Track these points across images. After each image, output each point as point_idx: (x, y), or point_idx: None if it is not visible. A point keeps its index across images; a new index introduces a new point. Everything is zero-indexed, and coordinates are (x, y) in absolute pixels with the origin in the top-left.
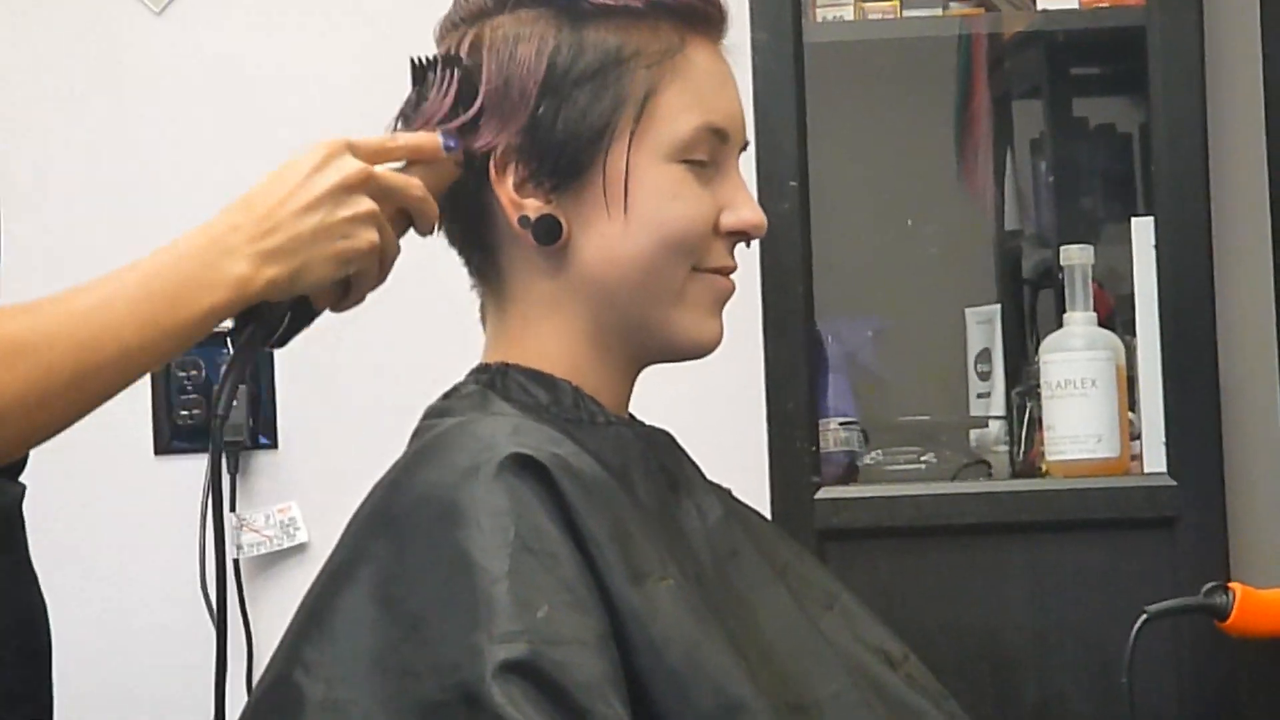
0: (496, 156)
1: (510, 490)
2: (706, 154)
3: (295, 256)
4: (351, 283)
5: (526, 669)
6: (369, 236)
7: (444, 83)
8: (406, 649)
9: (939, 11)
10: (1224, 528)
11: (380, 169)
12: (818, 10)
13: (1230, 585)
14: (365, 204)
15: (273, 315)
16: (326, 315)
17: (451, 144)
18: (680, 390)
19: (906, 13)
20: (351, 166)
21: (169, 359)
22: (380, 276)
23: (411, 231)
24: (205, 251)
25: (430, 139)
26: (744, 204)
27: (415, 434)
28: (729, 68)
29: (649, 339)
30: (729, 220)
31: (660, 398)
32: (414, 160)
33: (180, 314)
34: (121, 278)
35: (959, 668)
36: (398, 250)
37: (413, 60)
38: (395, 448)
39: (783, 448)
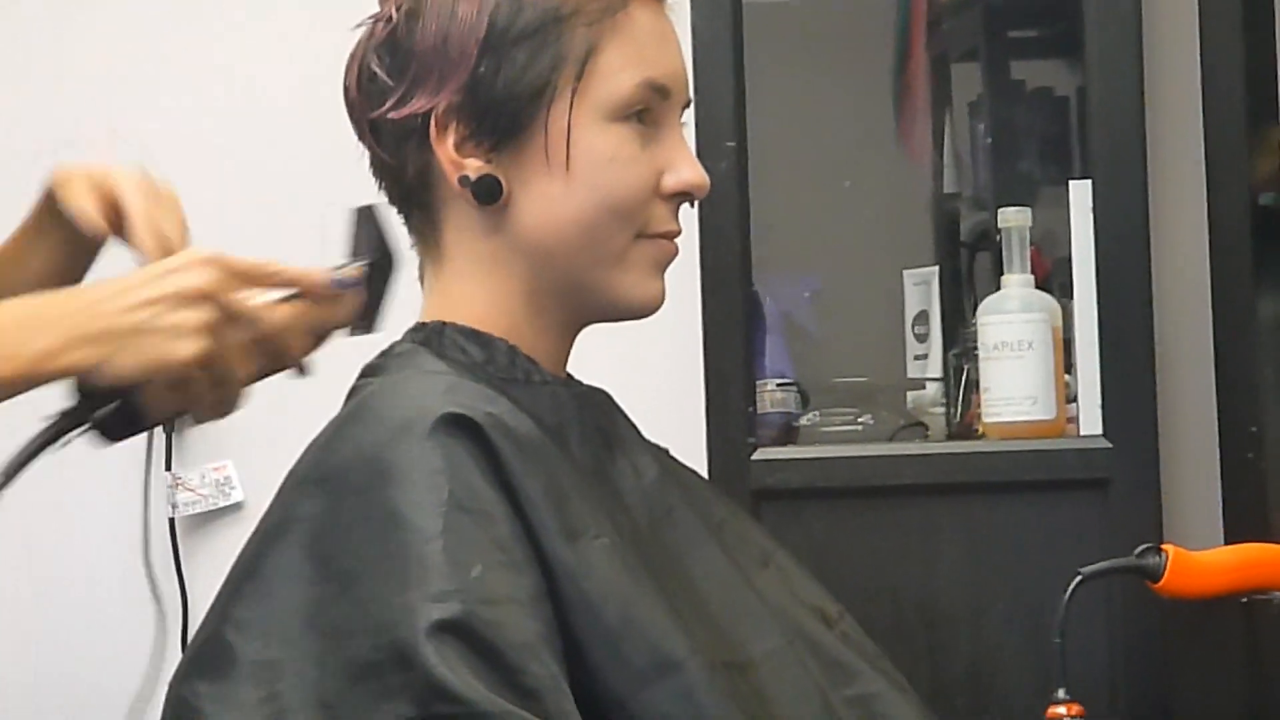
0: (437, 115)
1: (444, 449)
2: (646, 115)
3: (104, 346)
4: (187, 399)
5: (460, 628)
6: (186, 349)
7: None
8: (339, 608)
9: None
10: (1157, 490)
11: (258, 296)
12: None
13: (1163, 547)
14: (195, 318)
15: (99, 401)
16: None
17: (344, 283)
18: (618, 350)
19: None
20: (199, 279)
21: None
22: (217, 399)
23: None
24: (24, 322)
25: (320, 276)
26: (685, 164)
27: (350, 393)
28: (671, 26)
29: (588, 299)
30: (670, 182)
31: (598, 357)
32: (301, 294)
33: None
34: None
35: (894, 627)
36: (246, 380)
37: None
38: (331, 407)
39: (719, 408)
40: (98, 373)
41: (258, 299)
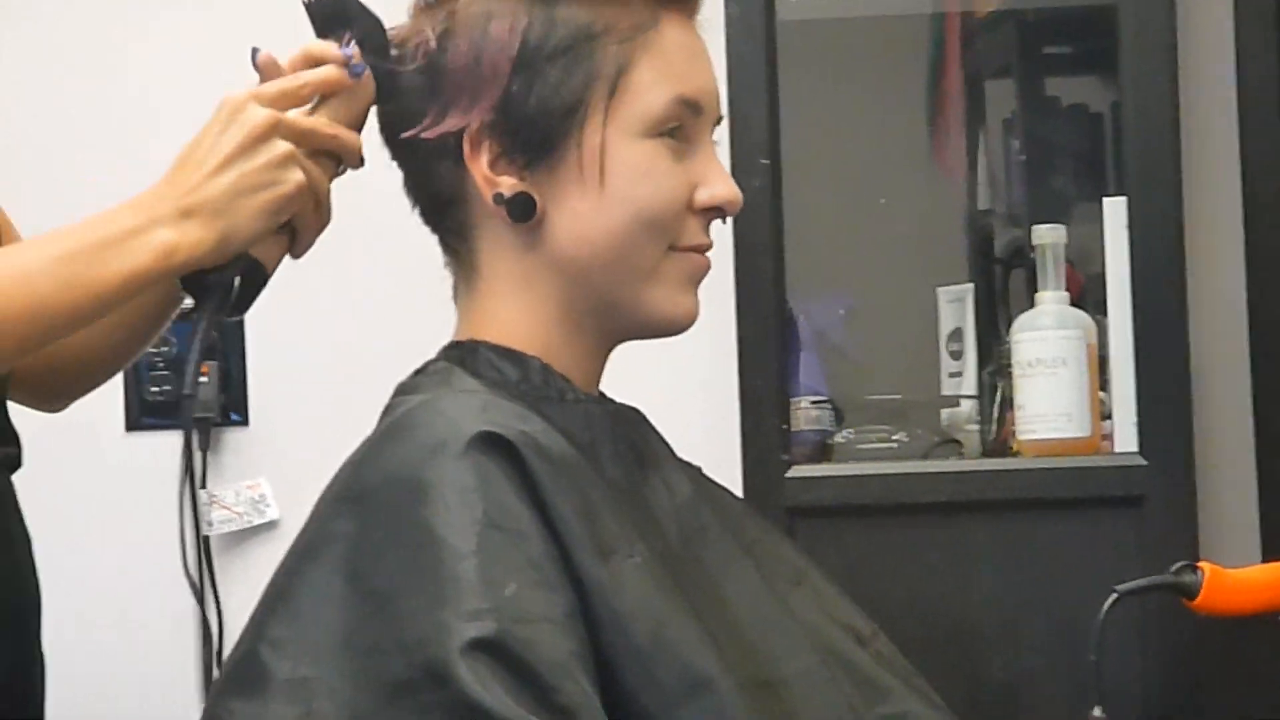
0: (470, 134)
1: (478, 468)
2: (679, 131)
3: (220, 217)
4: (295, 229)
5: (494, 647)
6: (293, 178)
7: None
8: (373, 626)
9: None
10: (1193, 507)
11: (293, 113)
12: None
13: (1199, 564)
14: (279, 148)
15: (222, 282)
16: (302, 293)
17: (358, 68)
18: (652, 368)
19: None
20: (257, 116)
21: (92, 319)
22: (321, 218)
23: (382, 214)
24: (128, 218)
25: (335, 71)
26: (718, 179)
27: (385, 411)
28: (702, 43)
29: (622, 316)
30: (703, 197)
31: (632, 376)
32: (326, 95)
33: (97, 275)
34: (48, 237)
35: (927, 646)
36: (328, 187)
37: (307, 6)
38: (366, 424)
39: (754, 426)
40: (224, 247)
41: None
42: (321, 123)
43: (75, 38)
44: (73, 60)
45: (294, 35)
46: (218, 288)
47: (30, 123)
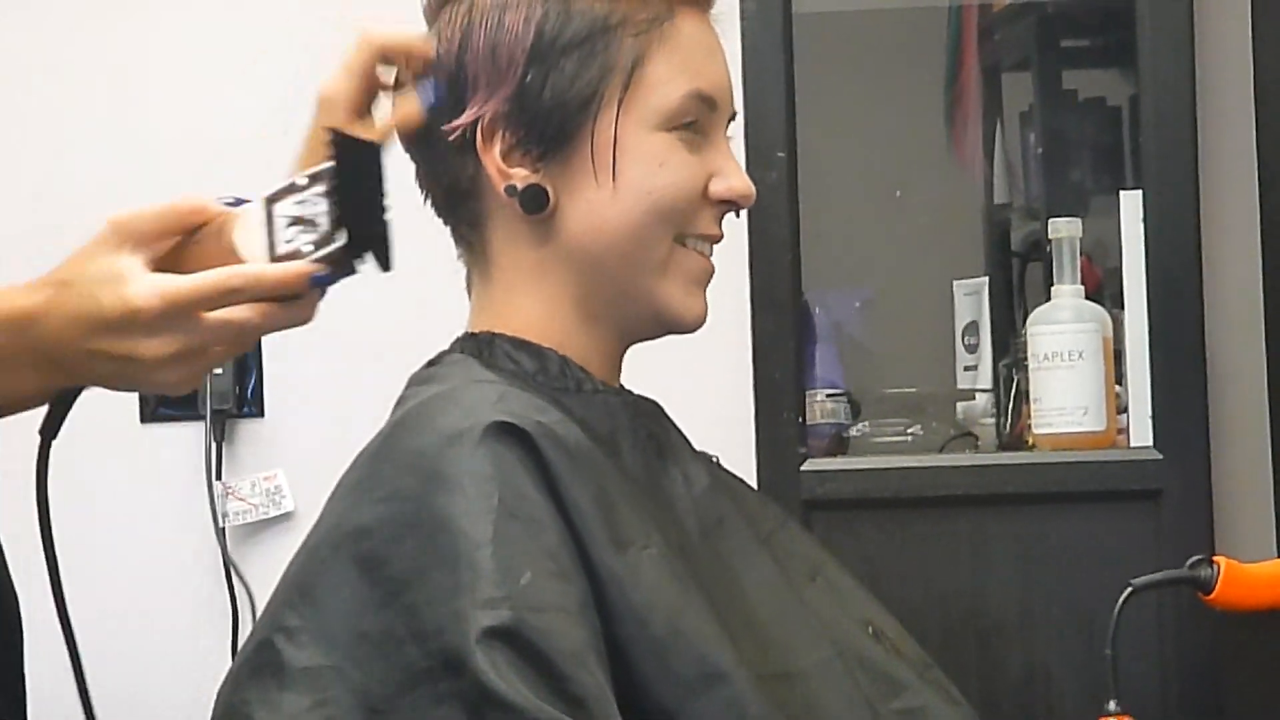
0: (483, 125)
1: (494, 457)
2: (693, 125)
3: (77, 378)
4: None
5: (509, 635)
6: (169, 378)
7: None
8: (389, 615)
9: None
10: (1209, 500)
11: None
12: None
13: (1215, 559)
14: (170, 354)
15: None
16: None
17: (323, 279)
18: (668, 362)
19: None
20: (168, 347)
21: None
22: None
23: (396, 205)
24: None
25: (299, 272)
26: (733, 173)
27: (399, 402)
28: (717, 37)
29: (634, 309)
30: (718, 188)
31: (648, 369)
32: (272, 297)
33: None
34: None
35: (943, 639)
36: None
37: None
38: (381, 415)
39: (770, 419)
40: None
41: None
42: (241, 329)
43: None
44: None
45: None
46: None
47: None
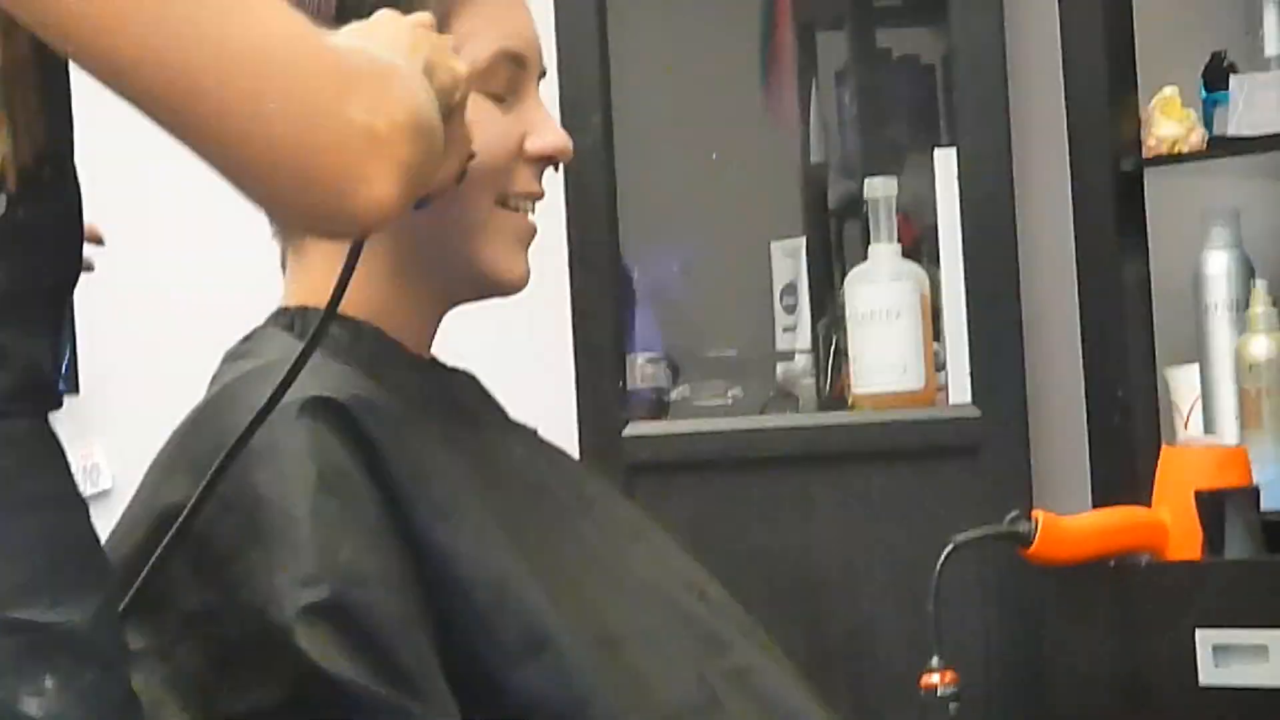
0: None
1: (311, 432)
2: (504, 84)
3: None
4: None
5: (330, 611)
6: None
7: None
8: (209, 593)
9: None
10: (1027, 456)
11: None
12: None
13: (1033, 513)
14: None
15: None
16: (132, 259)
17: None
18: (486, 329)
19: None
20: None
21: None
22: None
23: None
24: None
25: None
26: (548, 128)
27: (215, 378)
28: None
29: (454, 274)
30: (534, 145)
31: (466, 337)
32: None
33: None
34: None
35: (770, 600)
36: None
37: None
38: (198, 391)
39: (590, 384)
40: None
41: None
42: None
43: None
44: None
45: None
46: None
47: None
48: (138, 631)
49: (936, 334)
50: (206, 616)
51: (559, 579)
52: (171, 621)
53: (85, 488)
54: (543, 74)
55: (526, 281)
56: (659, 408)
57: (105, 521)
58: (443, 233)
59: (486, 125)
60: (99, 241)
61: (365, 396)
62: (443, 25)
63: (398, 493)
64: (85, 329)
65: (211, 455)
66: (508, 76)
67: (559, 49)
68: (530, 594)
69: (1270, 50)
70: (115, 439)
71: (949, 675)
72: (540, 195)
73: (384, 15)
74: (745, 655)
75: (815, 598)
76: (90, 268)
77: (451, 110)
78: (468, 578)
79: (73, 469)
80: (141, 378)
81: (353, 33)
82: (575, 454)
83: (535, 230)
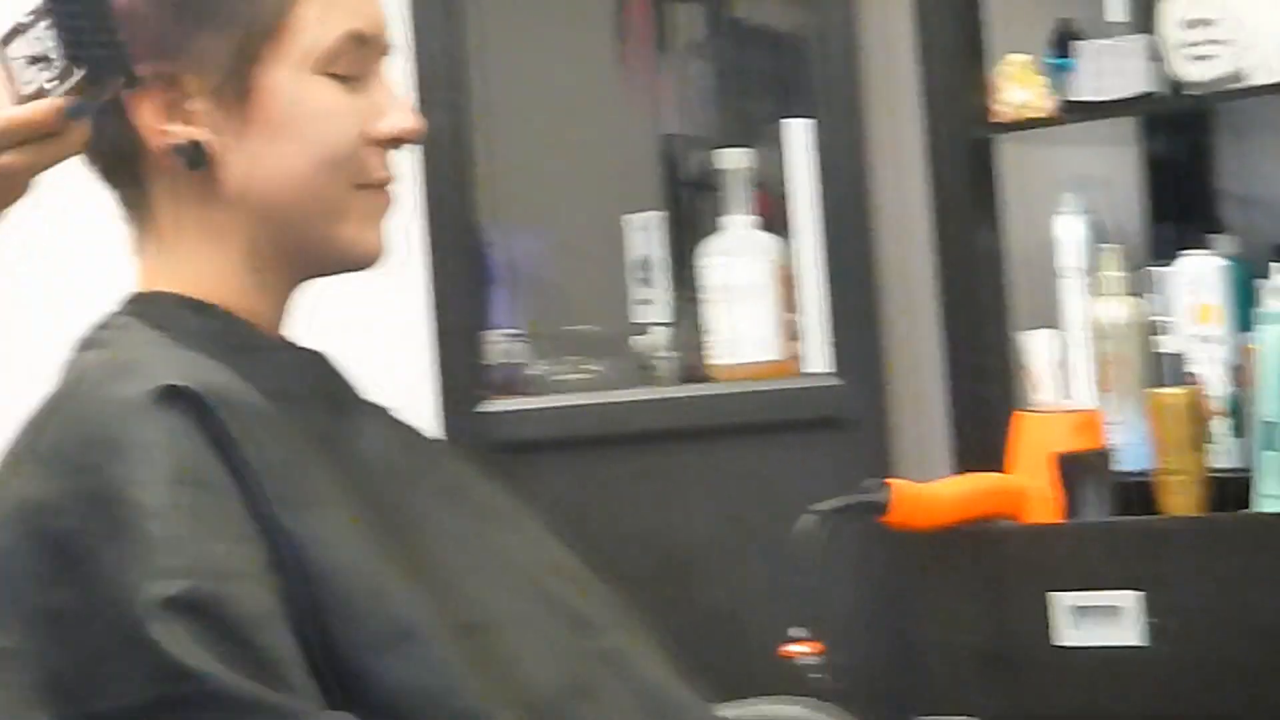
0: (137, 85)
1: (165, 422)
2: (351, 65)
3: None
4: None
5: (188, 605)
6: None
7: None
8: (66, 591)
9: None
10: (887, 424)
11: None
12: None
13: (887, 481)
14: None
15: None
16: None
17: (76, 109)
18: (341, 307)
19: None
20: None
21: None
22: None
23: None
24: None
25: (48, 109)
26: (395, 108)
27: (65, 368)
28: None
29: (309, 255)
30: (383, 128)
31: (320, 316)
32: (30, 138)
33: None
34: None
35: (635, 575)
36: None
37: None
38: (50, 381)
39: (449, 362)
40: None
41: None
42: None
43: None
44: None
45: None
46: None
47: None
48: (2, 631)
49: (794, 305)
50: (64, 615)
51: (424, 565)
52: (29, 621)
53: None
54: (387, 51)
55: (380, 255)
56: (518, 383)
57: None
58: (297, 218)
59: (333, 114)
60: None
61: (219, 385)
62: (287, 8)
63: (255, 482)
64: None
65: (65, 446)
66: (355, 58)
67: (415, 24)
68: (394, 582)
69: (1112, 15)
70: None
71: (814, 645)
72: (390, 180)
73: None
74: (614, 636)
75: (680, 572)
76: None
77: None
78: (329, 567)
79: None
80: None
81: None
82: (435, 432)
83: (390, 203)
